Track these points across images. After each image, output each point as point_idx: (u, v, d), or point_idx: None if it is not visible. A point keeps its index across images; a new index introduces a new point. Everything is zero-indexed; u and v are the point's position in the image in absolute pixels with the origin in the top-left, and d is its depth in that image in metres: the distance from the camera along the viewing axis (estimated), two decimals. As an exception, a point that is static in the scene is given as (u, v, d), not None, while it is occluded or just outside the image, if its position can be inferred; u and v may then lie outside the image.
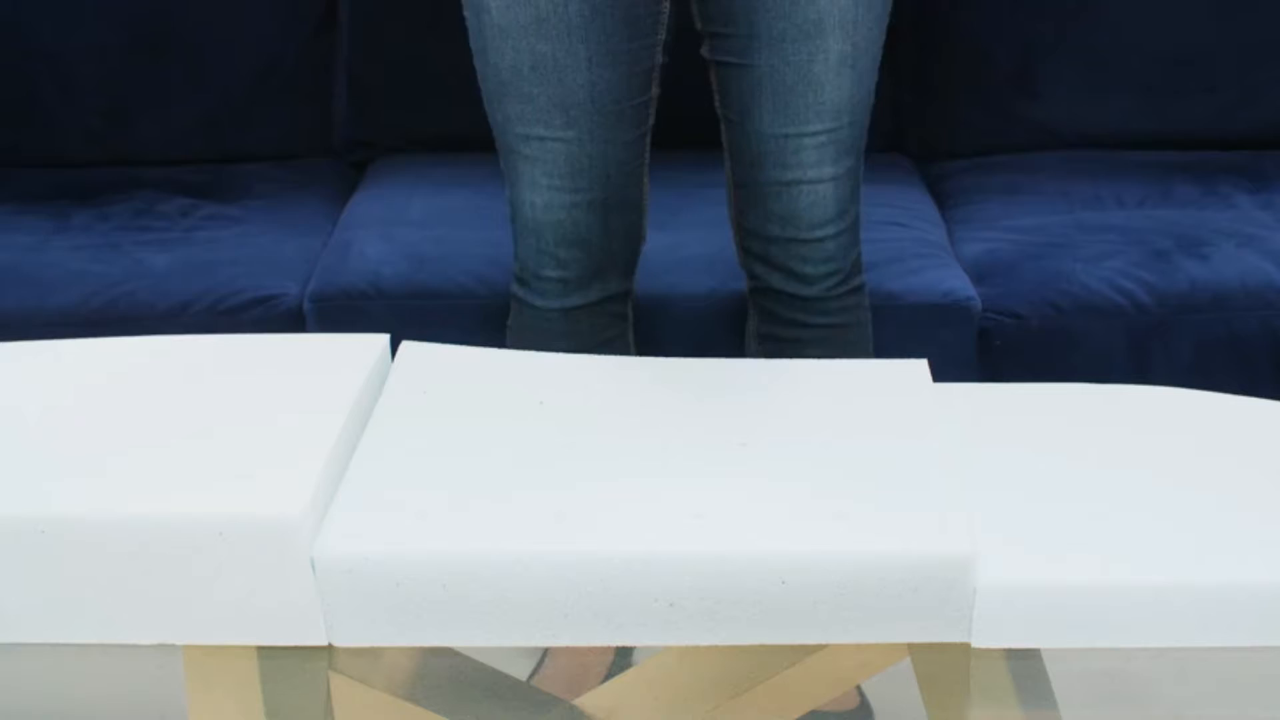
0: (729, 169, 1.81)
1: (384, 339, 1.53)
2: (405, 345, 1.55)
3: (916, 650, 1.32)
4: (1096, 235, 2.31)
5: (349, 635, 1.27)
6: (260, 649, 1.29)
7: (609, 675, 1.88)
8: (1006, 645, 1.27)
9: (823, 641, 1.27)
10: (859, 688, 1.91)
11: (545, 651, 1.92)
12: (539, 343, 1.79)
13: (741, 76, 1.71)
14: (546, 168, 1.73)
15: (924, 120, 2.65)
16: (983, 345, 2.20)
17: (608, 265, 1.80)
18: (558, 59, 1.67)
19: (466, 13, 1.73)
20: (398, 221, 2.37)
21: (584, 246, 1.77)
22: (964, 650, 1.27)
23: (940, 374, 1.54)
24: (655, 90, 1.75)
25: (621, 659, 1.91)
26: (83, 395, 1.43)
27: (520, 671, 1.89)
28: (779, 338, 1.86)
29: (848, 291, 1.84)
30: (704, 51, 1.75)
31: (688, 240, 2.27)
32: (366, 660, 1.35)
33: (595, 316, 1.82)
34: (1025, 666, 1.34)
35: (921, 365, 1.53)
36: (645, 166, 1.79)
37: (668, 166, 2.48)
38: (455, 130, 2.63)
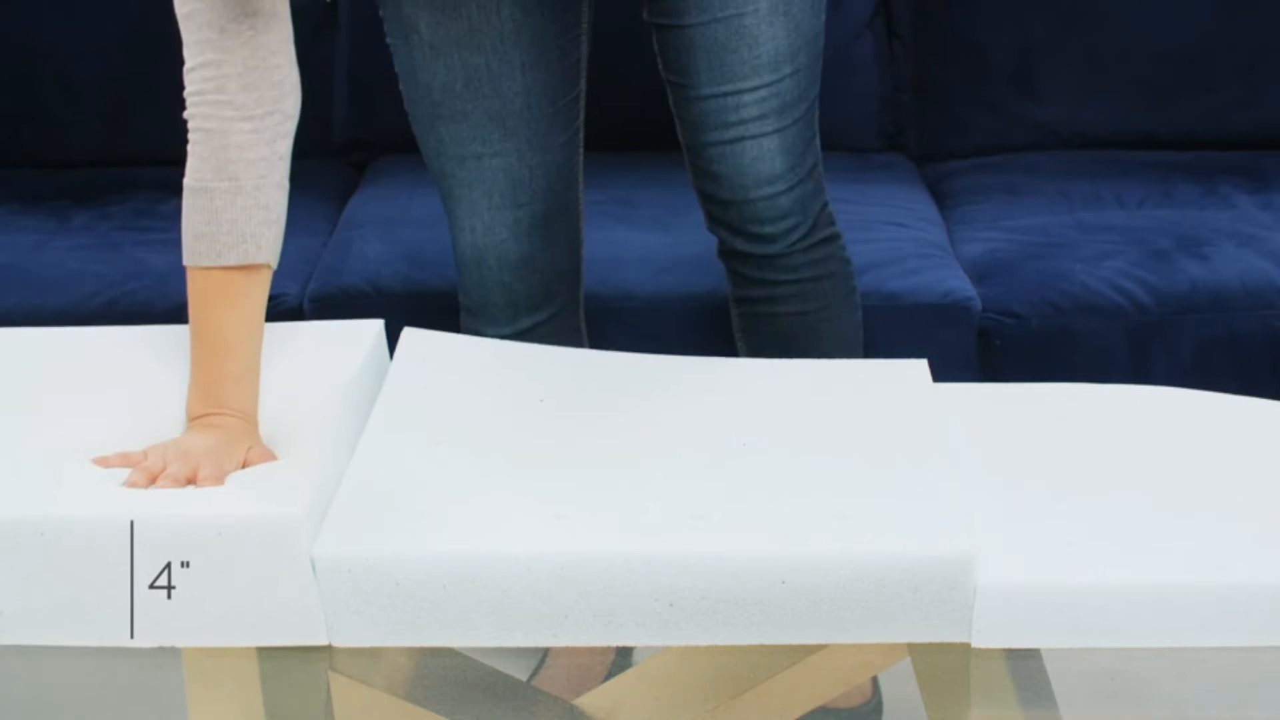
0: (680, 134, 1.79)
1: (378, 324, 1.53)
2: (407, 332, 1.54)
3: (916, 650, 1.32)
4: (1096, 235, 2.30)
5: (349, 635, 1.26)
6: (260, 649, 1.29)
7: (609, 675, 1.88)
8: (1006, 645, 1.27)
9: (823, 641, 1.27)
10: (875, 681, 1.90)
11: (546, 652, 1.92)
12: None
13: (677, 38, 1.70)
14: (486, 187, 1.72)
15: (924, 120, 2.65)
16: (983, 345, 2.20)
17: (554, 279, 1.79)
18: (491, 69, 1.66)
19: (391, 39, 1.71)
20: (398, 221, 2.37)
21: (529, 264, 1.76)
22: (964, 650, 1.27)
23: (940, 374, 1.54)
24: (583, 84, 1.75)
25: (621, 659, 1.91)
26: (82, 392, 1.43)
27: (520, 672, 1.89)
28: (751, 299, 1.85)
29: (814, 244, 1.81)
30: (644, 15, 1.74)
31: (686, 240, 2.27)
32: (366, 660, 1.35)
33: (549, 334, 1.81)
34: (1025, 666, 1.34)
35: (921, 365, 1.53)
36: (580, 166, 1.79)
37: (665, 167, 2.48)
38: (455, 130, 2.63)
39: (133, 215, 2.42)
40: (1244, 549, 1.29)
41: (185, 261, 1.41)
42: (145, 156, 2.61)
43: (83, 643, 1.27)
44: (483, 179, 1.71)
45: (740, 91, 1.69)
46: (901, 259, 2.22)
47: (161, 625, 1.26)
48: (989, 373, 2.19)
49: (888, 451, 1.38)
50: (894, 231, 2.31)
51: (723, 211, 1.79)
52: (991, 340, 2.19)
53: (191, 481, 1.31)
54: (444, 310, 2.19)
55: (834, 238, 1.84)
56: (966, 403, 1.50)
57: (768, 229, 1.77)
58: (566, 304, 1.83)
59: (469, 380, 1.50)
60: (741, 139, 1.72)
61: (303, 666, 1.29)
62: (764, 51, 1.68)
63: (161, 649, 1.28)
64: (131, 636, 1.27)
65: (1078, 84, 2.59)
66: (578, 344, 1.87)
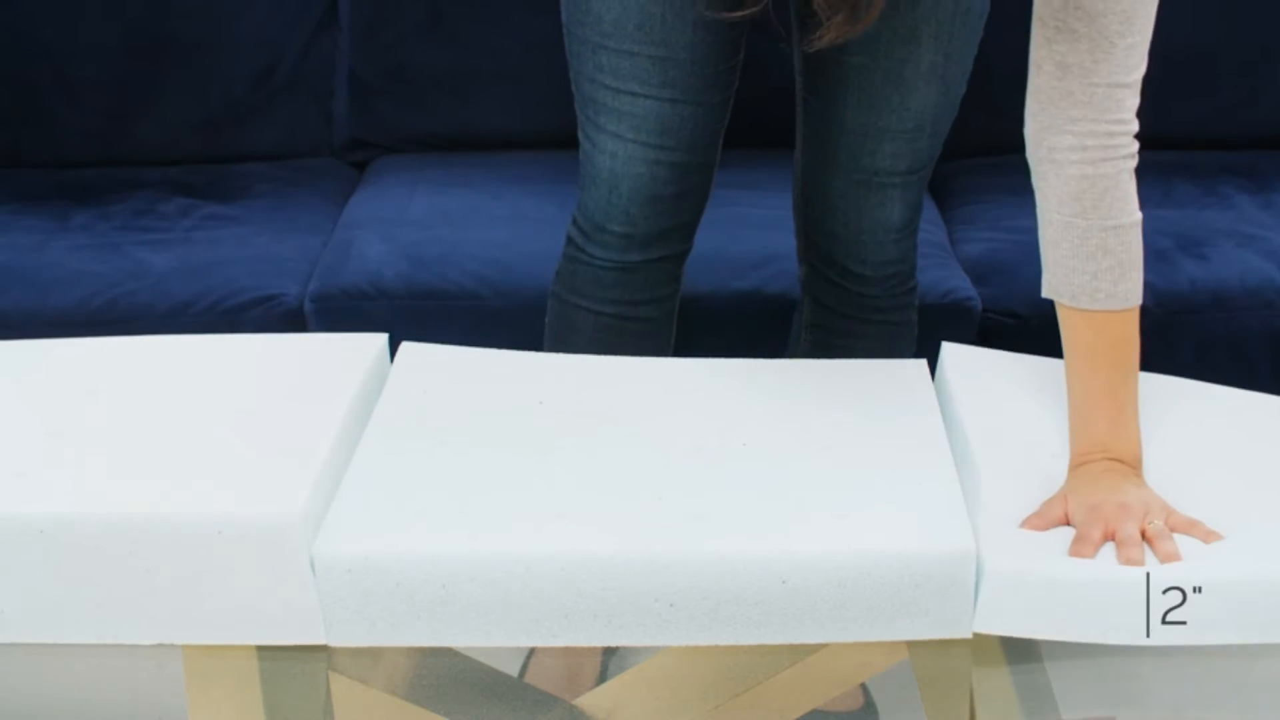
0: (800, 157, 1.81)
1: (382, 338, 1.53)
2: (405, 346, 1.55)
3: (916, 650, 1.32)
4: (1096, 235, 2.30)
5: (348, 635, 1.26)
6: (260, 649, 1.29)
7: (601, 667, 1.88)
8: (1007, 632, 1.27)
9: (823, 641, 1.27)
10: (864, 688, 1.90)
11: (531, 650, 1.92)
12: (591, 291, 1.79)
13: (831, 69, 1.72)
14: (635, 123, 1.72)
15: (924, 120, 2.65)
16: (983, 345, 2.20)
17: (673, 225, 1.80)
18: (666, 20, 1.67)
19: None
20: (398, 221, 2.36)
21: (656, 204, 1.77)
22: (964, 650, 1.27)
23: (940, 374, 1.54)
24: (742, 55, 1.76)
25: (615, 659, 1.91)
26: (83, 396, 1.43)
27: (509, 668, 1.89)
28: (830, 328, 1.86)
29: (903, 292, 1.85)
30: (795, 37, 1.74)
31: (699, 240, 2.27)
32: (366, 660, 1.35)
33: (651, 273, 1.82)
34: (1025, 667, 1.34)
35: (921, 365, 1.53)
36: (724, 129, 1.80)
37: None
38: (455, 130, 2.63)
39: (133, 215, 2.42)
40: (1244, 548, 1.29)
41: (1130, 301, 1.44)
42: (145, 156, 2.61)
43: (82, 642, 1.27)
44: (634, 114, 1.72)
45: (882, 137, 1.71)
46: (901, 259, 2.22)
47: (161, 624, 1.27)
48: (989, 373, 2.19)
49: (887, 451, 1.38)
50: (894, 231, 2.31)
51: (828, 243, 1.81)
52: (992, 340, 2.19)
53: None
54: (444, 310, 2.20)
55: (915, 288, 1.87)
56: (970, 369, 1.49)
57: (870, 271, 1.80)
58: (677, 252, 1.84)
59: (468, 386, 1.50)
60: (871, 182, 1.74)
61: (302, 666, 1.29)
62: (914, 105, 1.70)
63: (161, 648, 1.28)
64: (131, 635, 1.27)
65: (1078, 84, 2.58)
66: (674, 291, 1.87)
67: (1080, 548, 1.30)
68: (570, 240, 1.84)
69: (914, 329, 1.89)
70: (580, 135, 1.78)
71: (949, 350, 1.53)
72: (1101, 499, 1.34)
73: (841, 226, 1.78)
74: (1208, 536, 1.31)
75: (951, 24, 1.68)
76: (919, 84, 1.69)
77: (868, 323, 1.85)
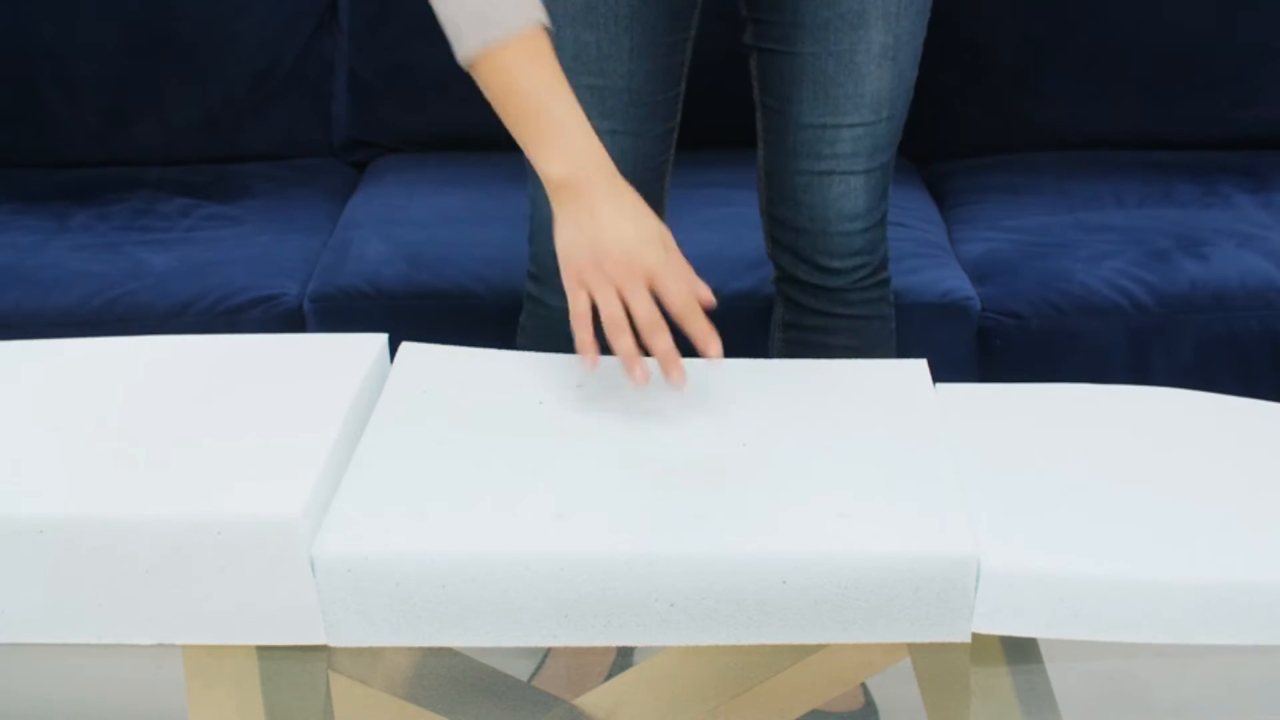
0: (762, 157, 1.82)
1: (382, 338, 1.53)
2: (405, 346, 1.55)
3: (916, 650, 1.32)
4: (1096, 235, 2.31)
5: (348, 635, 1.26)
6: (260, 649, 1.29)
7: (609, 675, 1.88)
8: (1007, 632, 1.27)
9: (823, 641, 1.27)
10: (865, 688, 1.91)
11: (546, 652, 1.92)
12: (552, 341, 1.79)
13: (783, 64, 1.73)
14: None
15: (924, 120, 2.65)
16: (983, 345, 2.20)
17: None
18: (601, 48, 1.67)
19: None
20: (398, 221, 2.37)
21: None
22: (964, 650, 1.27)
23: (940, 374, 1.54)
24: (683, 87, 1.76)
25: (622, 659, 1.91)
26: (82, 395, 1.43)
27: (521, 672, 1.89)
28: (802, 326, 1.87)
29: (873, 285, 1.85)
30: (746, 38, 1.76)
31: (689, 241, 2.27)
32: (366, 660, 1.35)
33: None
34: (1025, 668, 1.34)
35: (921, 365, 1.53)
36: (669, 163, 1.80)
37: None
38: (455, 130, 2.63)
39: (133, 215, 2.43)
40: (1243, 548, 1.29)
41: (470, 49, 1.46)
42: (145, 156, 2.61)
43: (82, 642, 1.27)
44: None
45: (839, 126, 1.72)
46: (901, 259, 2.22)
47: (161, 624, 1.26)
48: (989, 373, 2.19)
49: (888, 451, 1.38)
50: (894, 231, 2.30)
51: (794, 239, 1.81)
52: (991, 340, 2.19)
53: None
54: (444, 310, 2.20)
55: (887, 281, 1.87)
56: (966, 403, 1.50)
57: (837, 264, 1.80)
58: None
59: (468, 386, 1.50)
60: (832, 173, 1.74)
61: (302, 666, 1.29)
62: (868, 91, 1.70)
63: (161, 648, 1.28)
64: (131, 636, 1.27)
65: (1078, 84, 2.59)
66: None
67: (582, 334, 1.40)
68: (528, 294, 1.84)
69: (889, 324, 1.89)
70: (529, 185, 1.78)
71: (943, 389, 1.53)
72: (581, 247, 1.40)
73: (807, 221, 1.79)
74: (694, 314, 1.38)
75: (898, 4, 1.69)
76: (871, 68, 1.70)
77: (838, 318, 1.85)
